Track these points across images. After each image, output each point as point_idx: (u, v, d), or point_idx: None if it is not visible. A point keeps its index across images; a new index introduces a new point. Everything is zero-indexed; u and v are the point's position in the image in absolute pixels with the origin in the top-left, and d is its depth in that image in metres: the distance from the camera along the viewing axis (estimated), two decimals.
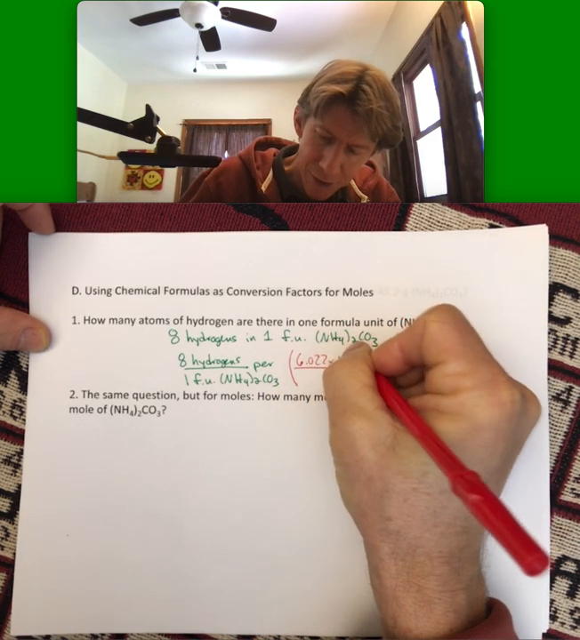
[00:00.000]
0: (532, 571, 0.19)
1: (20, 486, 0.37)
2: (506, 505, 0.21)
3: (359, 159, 0.56)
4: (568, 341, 0.37)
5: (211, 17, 1.12)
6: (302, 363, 0.37)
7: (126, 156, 0.68)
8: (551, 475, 0.37)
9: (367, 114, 0.51)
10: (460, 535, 0.28)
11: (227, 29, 1.17)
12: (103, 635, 0.37)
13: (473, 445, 0.27)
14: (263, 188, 0.57)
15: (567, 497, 0.37)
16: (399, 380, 0.32)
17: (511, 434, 0.27)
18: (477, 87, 0.83)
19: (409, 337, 0.30)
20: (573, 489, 0.37)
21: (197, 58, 1.42)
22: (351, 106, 0.51)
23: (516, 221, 0.37)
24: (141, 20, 1.13)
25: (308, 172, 0.57)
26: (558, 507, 0.37)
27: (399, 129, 0.54)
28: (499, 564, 0.36)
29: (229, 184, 0.57)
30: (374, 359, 0.32)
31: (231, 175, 0.58)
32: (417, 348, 0.29)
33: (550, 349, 0.37)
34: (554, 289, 0.37)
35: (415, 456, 0.27)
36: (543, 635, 0.36)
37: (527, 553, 0.19)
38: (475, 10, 0.80)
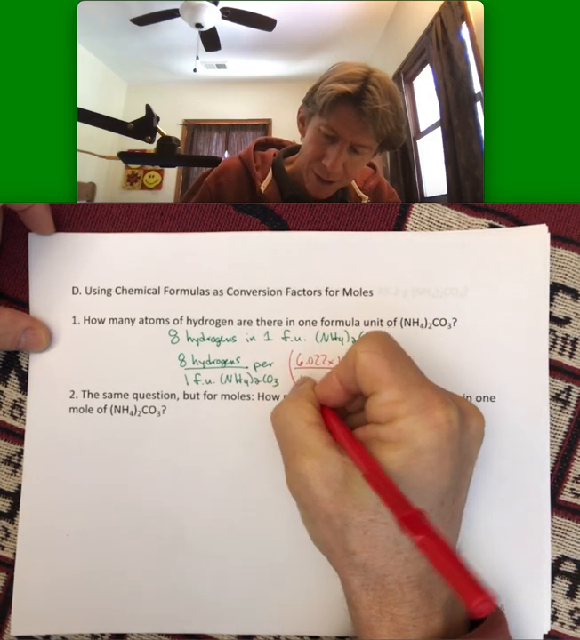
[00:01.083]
0: (478, 612, 0.20)
1: (20, 486, 0.37)
2: (451, 545, 0.22)
3: (362, 159, 0.57)
4: (568, 341, 0.37)
5: (211, 17, 1.12)
6: (301, 363, 0.37)
7: (126, 156, 0.68)
8: (550, 474, 0.37)
9: (373, 113, 0.51)
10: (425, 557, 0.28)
11: (227, 29, 1.17)
12: (103, 635, 0.37)
13: (419, 470, 0.27)
14: (262, 188, 0.57)
15: (566, 497, 0.37)
16: (348, 408, 0.33)
17: (455, 452, 0.28)
18: (477, 87, 0.83)
19: (344, 369, 0.30)
20: (572, 489, 0.37)
21: (197, 58, 1.42)
22: (357, 105, 0.51)
23: (516, 221, 0.37)
24: (141, 20, 1.13)
25: (310, 170, 0.57)
26: (557, 507, 0.37)
27: (403, 131, 0.55)
28: (499, 565, 0.36)
29: (229, 184, 0.58)
30: (317, 393, 0.32)
31: (231, 175, 0.58)
32: (353, 379, 0.30)
33: (549, 349, 0.37)
34: (554, 289, 0.37)
35: (367, 489, 0.27)
36: (544, 635, 0.36)
37: (474, 595, 0.20)
38: (475, 10, 0.80)
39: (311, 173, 0.57)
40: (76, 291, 0.37)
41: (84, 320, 0.37)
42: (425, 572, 0.28)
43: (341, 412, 0.32)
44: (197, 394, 0.37)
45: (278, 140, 0.63)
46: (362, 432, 0.30)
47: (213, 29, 1.18)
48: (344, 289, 0.37)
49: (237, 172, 0.58)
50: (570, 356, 0.37)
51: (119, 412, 0.37)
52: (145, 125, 0.59)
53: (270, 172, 0.59)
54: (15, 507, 0.37)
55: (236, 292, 0.37)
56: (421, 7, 1.04)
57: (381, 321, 0.36)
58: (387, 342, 0.30)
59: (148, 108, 0.60)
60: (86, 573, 0.36)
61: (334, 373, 0.31)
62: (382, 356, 0.29)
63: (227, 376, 0.37)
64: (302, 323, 0.37)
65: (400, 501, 0.24)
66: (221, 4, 1.09)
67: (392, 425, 0.27)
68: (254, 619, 0.36)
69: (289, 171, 0.59)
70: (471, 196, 0.84)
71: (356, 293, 0.37)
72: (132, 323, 0.37)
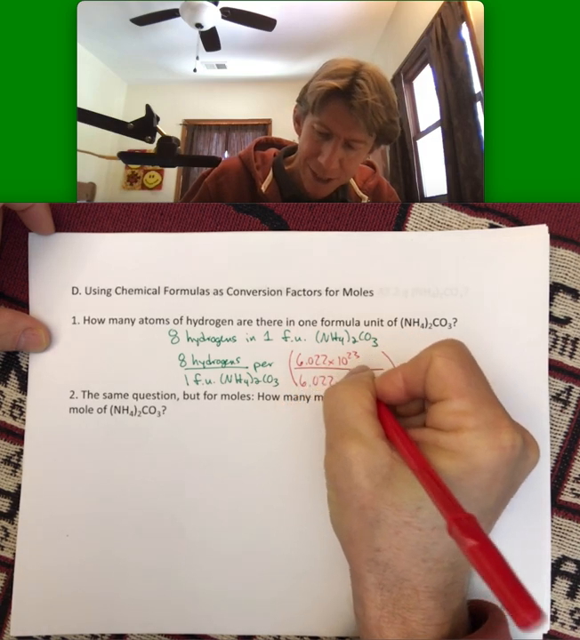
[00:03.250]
0: (525, 626, 0.19)
1: (19, 486, 0.37)
2: (503, 554, 0.21)
3: (358, 155, 0.56)
4: (568, 341, 0.37)
5: (211, 17, 1.12)
6: (302, 363, 0.37)
7: (126, 156, 0.68)
8: (550, 475, 0.37)
9: (363, 107, 0.51)
10: (447, 571, 0.27)
11: (227, 29, 1.17)
12: (103, 635, 0.37)
13: (469, 485, 0.27)
14: (263, 188, 0.57)
15: (566, 497, 0.37)
16: (399, 410, 0.32)
17: (508, 477, 0.27)
18: (477, 87, 0.83)
19: (414, 369, 0.30)
20: (573, 489, 0.37)
21: (197, 58, 1.42)
22: (347, 100, 0.51)
23: (516, 221, 0.37)
24: (141, 20, 1.13)
25: (306, 168, 0.57)
26: (558, 507, 0.37)
27: (397, 123, 0.54)
28: None
29: (229, 185, 0.58)
30: (376, 386, 0.31)
31: (231, 176, 0.58)
32: (421, 381, 0.29)
33: (550, 349, 0.37)
34: (554, 289, 0.37)
35: (411, 489, 0.27)
36: (544, 635, 0.36)
37: (522, 608, 0.19)
38: (475, 10, 0.80)
39: (308, 171, 0.57)
40: (76, 291, 0.37)
41: (84, 320, 0.37)
42: (443, 585, 0.27)
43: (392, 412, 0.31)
44: (197, 394, 0.37)
45: (278, 140, 0.63)
46: (419, 434, 0.29)
47: (213, 29, 1.18)
48: (344, 289, 0.37)
49: (237, 173, 0.58)
50: (570, 356, 0.37)
51: (119, 412, 0.37)
52: (145, 125, 0.59)
53: (271, 172, 0.59)
54: (15, 507, 0.37)
55: (236, 292, 0.37)
56: (421, 7, 1.04)
57: (381, 321, 0.36)
58: (464, 352, 0.29)
59: (148, 108, 0.60)
60: (86, 574, 0.36)
61: (399, 371, 0.30)
62: (458, 365, 0.28)
63: (227, 376, 0.37)
64: (302, 323, 0.37)
65: (452, 503, 0.24)
66: (221, 4, 1.09)
67: (456, 435, 0.27)
68: (254, 619, 0.36)
69: (289, 170, 0.59)
70: (471, 196, 0.84)
71: (356, 293, 0.37)
72: (132, 323, 0.37)
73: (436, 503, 0.24)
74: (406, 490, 0.27)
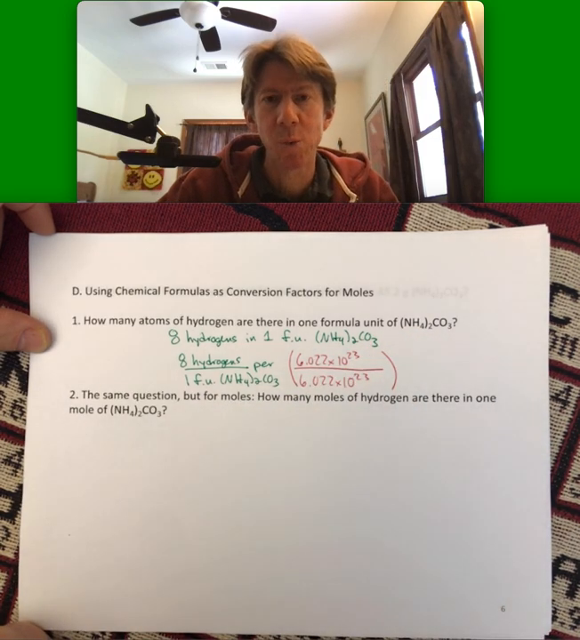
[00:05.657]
0: None
1: (20, 486, 0.37)
2: None
3: (312, 106, 0.57)
4: (567, 341, 0.37)
5: (211, 17, 1.12)
6: (302, 363, 0.37)
7: (126, 156, 0.68)
8: (550, 474, 0.37)
9: (290, 54, 0.54)
10: None
11: (227, 29, 1.17)
12: (104, 633, 0.37)
13: None
14: (240, 192, 0.56)
15: (566, 497, 0.37)
16: None
17: None
18: (477, 87, 0.83)
19: None
20: (572, 489, 0.37)
21: (197, 58, 1.42)
22: (277, 55, 0.55)
23: (516, 221, 0.37)
24: (141, 20, 1.13)
25: (275, 142, 0.56)
26: (557, 507, 0.37)
27: (327, 66, 0.56)
28: (500, 565, 0.36)
29: (207, 188, 0.57)
30: None
31: (209, 178, 0.57)
32: None
33: (549, 349, 0.37)
34: (554, 289, 0.37)
35: None
36: (545, 636, 0.36)
37: None
38: (475, 10, 0.80)
39: (278, 145, 0.56)
40: (76, 291, 0.37)
41: (85, 320, 0.37)
42: None
43: None
44: (198, 394, 0.37)
45: (256, 137, 0.61)
46: None
47: (213, 29, 1.18)
48: (344, 289, 0.37)
49: (214, 175, 0.57)
50: (570, 356, 0.37)
51: (119, 412, 0.37)
52: (145, 125, 0.59)
53: (248, 173, 0.57)
54: (16, 507, 0.37)
55: (236, 292, 0.37)
56: (421, 7, 1.04)
57: (381, 321, 0.37)
58: None
59: (148, 108, 0.60)
60: (88, 572, 0.36)
61: None
62: None
63: (227, 376, 0.37)
64: (302, 323, 0.37)
65: None
66: (221, 4, 1.10)
67: None
68: (254, 619, 0.36)
69: (265, 165, 0.58)
70: (471, 196, 0.84)
71: (356, 293, 0.37)
72: (133, 323, 0.37)
73: None
74: None
